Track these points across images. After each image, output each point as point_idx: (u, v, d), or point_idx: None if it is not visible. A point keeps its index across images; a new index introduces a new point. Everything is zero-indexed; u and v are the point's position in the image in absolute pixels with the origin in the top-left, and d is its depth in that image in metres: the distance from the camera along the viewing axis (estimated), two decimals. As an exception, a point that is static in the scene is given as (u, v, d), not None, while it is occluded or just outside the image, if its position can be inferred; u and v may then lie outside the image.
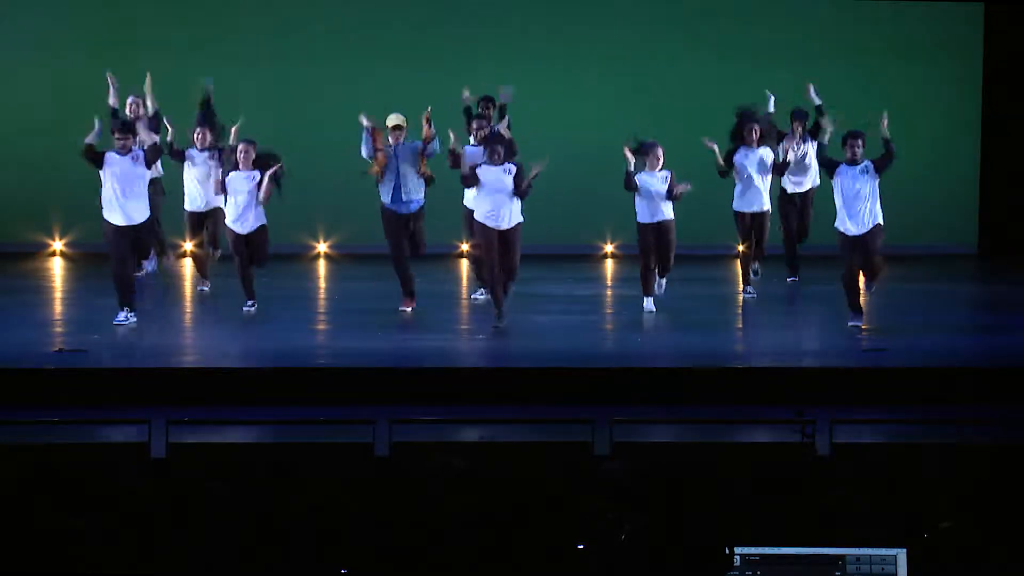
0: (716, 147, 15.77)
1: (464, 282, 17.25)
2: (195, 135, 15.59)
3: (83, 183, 17.52)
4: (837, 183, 14.34)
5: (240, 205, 14.88)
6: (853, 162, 14.30)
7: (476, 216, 14.63)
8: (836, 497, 7.35)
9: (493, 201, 14.48)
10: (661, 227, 15.00)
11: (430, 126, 14.80)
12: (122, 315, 14.28)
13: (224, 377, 12.71)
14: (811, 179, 16.70)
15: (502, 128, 15.22)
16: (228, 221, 15.01)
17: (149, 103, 15.73)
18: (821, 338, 14.71)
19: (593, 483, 8.04)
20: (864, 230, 14.30)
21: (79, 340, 13.65)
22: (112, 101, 15.82)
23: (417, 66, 18.78)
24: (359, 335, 14.30)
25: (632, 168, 14.92)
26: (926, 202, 19.05)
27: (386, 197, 14.91)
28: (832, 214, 14.53)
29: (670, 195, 14.89)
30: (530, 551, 7.16)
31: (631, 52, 19.21)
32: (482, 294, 15.58)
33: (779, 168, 16.08)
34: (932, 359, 13.37)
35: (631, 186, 14.93)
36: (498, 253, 14.51)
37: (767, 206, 16.08)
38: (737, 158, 15.91)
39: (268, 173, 14.76)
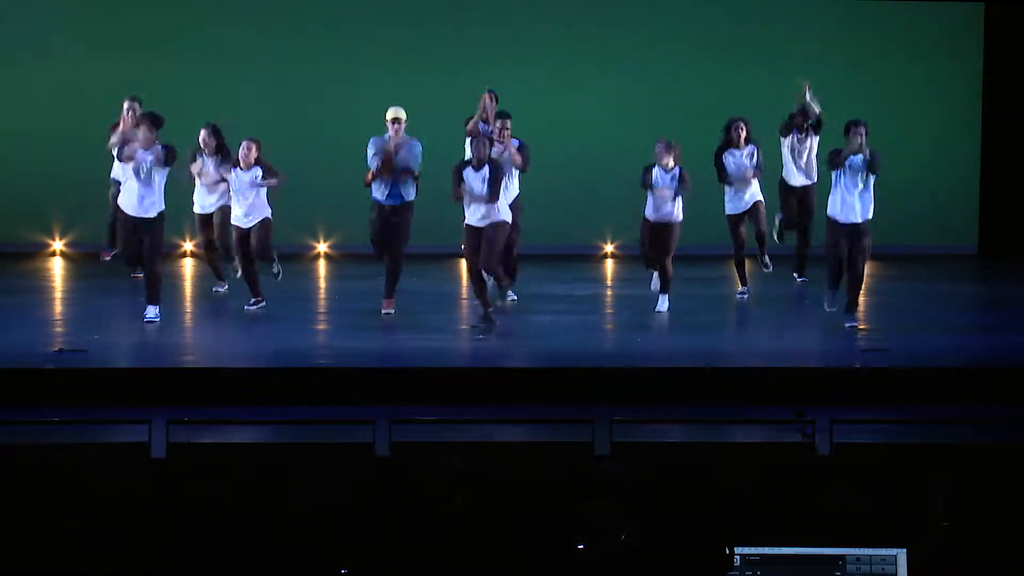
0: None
1: (464, 282, 17.24)
2: (201, 141, 15.48)
3: (83, 183, 17.57)
4: (838, 174, 14.39)
5: (244, 202, 14.93)
6: (855, 151, 14.31)
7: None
8: (836, 497, 7.34)
9: (475, 206, 14.52)
10: (662, 225, 15.04)
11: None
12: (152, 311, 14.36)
13: (224, 377, 12.71)
14: (812, 175, 16.66)
15: (512, 151, 15.13)
16: (233, 218, 15.05)
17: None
18: (821, 338, 14.69)
19: (593, 483, 8.03)
20: (856, 220, 14.32)
21: (79, 340, 13.65)
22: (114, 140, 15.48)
23: (417, 66, 18.77)
24: (359, 335, 14.30)
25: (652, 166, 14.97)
26: (926, 202, 19.04)
27: (380, 194, 14.87)
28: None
29: (679, 187, 14.92)
30: (530, 551, 7.15)
31: (631, 52, 19.18)
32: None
33: (761, 167, 16.04)
34: (932, 359, 13.37)
35: (647, 183, 14.98)
36: (476, 249, 14.55)
37: (759, 196, 16.04)
38: (725, 158, 15.90)
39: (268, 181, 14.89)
